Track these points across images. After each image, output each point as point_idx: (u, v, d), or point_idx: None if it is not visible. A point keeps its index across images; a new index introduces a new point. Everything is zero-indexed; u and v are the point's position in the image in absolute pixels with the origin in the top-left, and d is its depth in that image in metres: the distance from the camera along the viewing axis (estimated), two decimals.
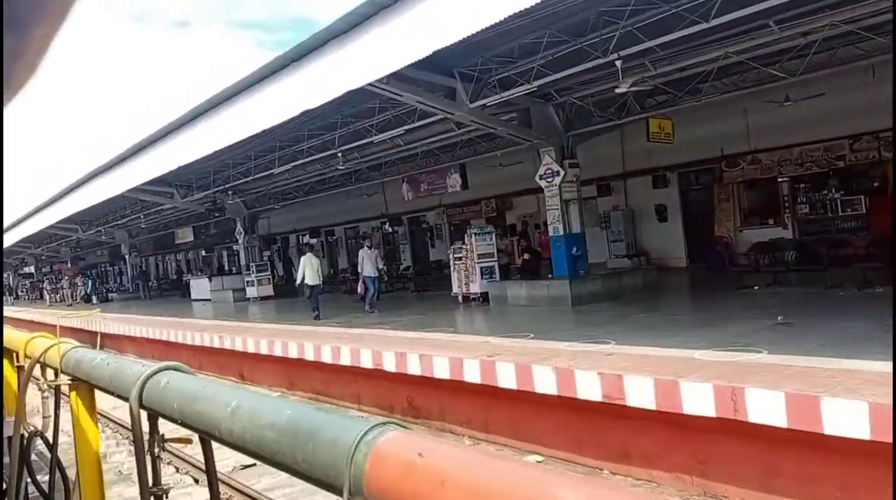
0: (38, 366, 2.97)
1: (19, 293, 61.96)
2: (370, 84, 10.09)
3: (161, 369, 1.62)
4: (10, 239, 37.96)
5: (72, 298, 32.07)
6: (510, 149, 16.91)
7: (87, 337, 16.76)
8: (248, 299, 21.37)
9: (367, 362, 9.69)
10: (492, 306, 13.57)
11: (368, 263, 14.82)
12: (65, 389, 2.68)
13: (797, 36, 9.88)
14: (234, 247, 38.28)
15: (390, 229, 27.99)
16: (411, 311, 14.18)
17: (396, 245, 28.32)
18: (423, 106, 11.81)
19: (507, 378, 7.50)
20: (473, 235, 14.50)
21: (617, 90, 10.78)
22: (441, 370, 8.41)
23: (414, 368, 8.85)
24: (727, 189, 17.63)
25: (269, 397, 1.38)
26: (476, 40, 8.94)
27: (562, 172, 12.79)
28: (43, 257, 47.95)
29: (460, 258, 14.65)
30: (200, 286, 24.75)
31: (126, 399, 1.69)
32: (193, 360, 15.37)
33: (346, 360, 10.12)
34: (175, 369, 1.64)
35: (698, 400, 5.75)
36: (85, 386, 2.44)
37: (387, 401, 9.85)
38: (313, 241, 32.39)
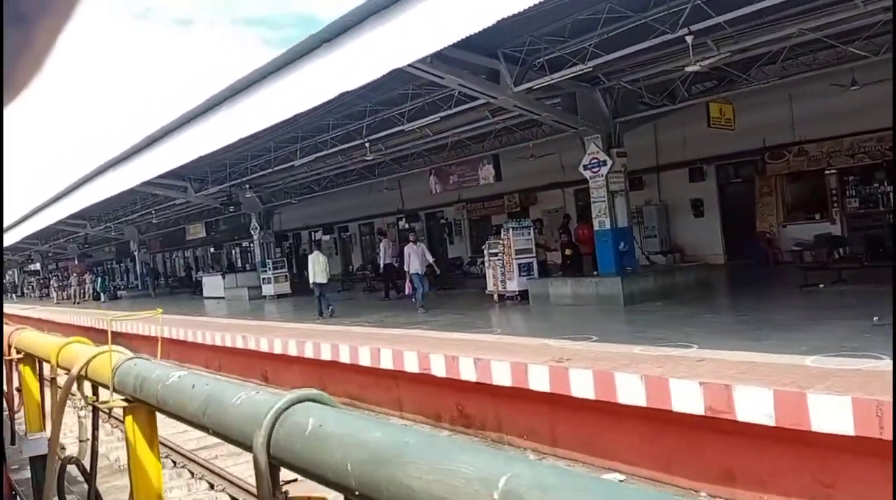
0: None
1: (24, 291, 61.62)
2: (412, 65, 9.33)
3: (295, 402, 1.16)
4: (15, 236, 37.39)
5: (80, 295, 31.22)
6: (543, 140, 16.11)
7: (124, 343, 16.00)
8: (265, 296, 20.59)
9: (411, 365, 8.90)
10: (532, 304, 12.76)
11: (416, 259, 13.93)
12: (117, 411, 2.17)
13: (879, 11, 9.05)
14: (245, 243, 37.80)
15: (406, 225, 27.17)
16: (446, 310, 13.39)
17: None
18: (464, 89, 10.98)
19: (582, 387, 6.70)
20: (511, 230, 13.68)
21: (687, 69, 9.90)
22: (501, 376, 7.62)
23: (468, 373, 8.06)
24: (770, 182, 16.80)
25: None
26: (525, 16, 8.11)
27: (609, 162, 11.98)
28: (50, 254, 47.26)
29: (496, 254, 13.84)
30: (214, 284, 23.97)
31: (243, 445, 1.22)
32: (213, 361, 14.63)
33: (387, 363, 9.34)
34: (315, 400, 1.19)
35: (830, 416, 4.96)
36: (144, 409, 1.96)
37: (433, 409, 9.07)
38: (325, 238, 31.75)
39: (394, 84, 12.06)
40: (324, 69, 9.57)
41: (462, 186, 19.51)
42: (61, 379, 2.80)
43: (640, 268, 13.30)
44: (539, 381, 7.18)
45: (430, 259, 15.12)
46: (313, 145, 16.24)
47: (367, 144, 14.69)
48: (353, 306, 16.84)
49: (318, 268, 14.23)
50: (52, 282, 38.43)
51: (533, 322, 11.36)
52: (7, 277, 77.84)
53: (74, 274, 33.48)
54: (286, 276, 20.62)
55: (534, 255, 13.69)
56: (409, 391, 9.51)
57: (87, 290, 30.77)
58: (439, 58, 9.64)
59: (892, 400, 4.16)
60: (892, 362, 5.36)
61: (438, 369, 8.48)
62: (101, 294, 28.76)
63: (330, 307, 14.17)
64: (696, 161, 17.76)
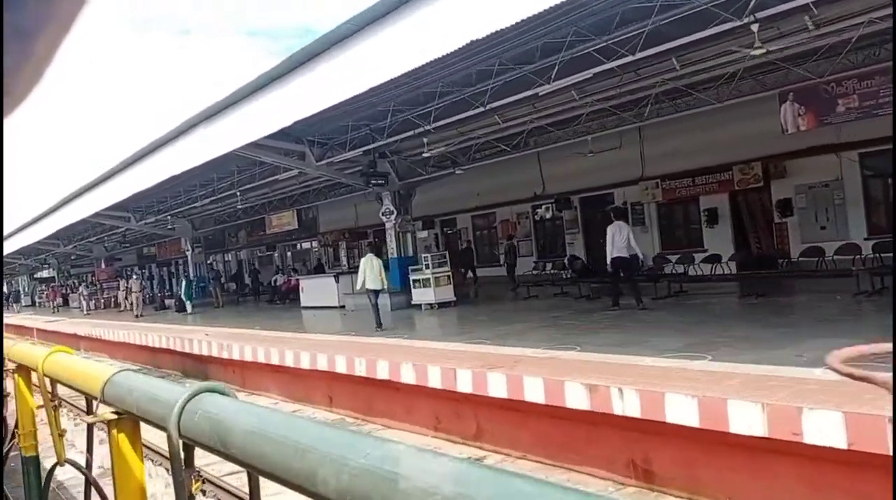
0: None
1: (36, 299, 55.68)
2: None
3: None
4: (28, 238, 31.87)
5: (137, 305, 24.01)
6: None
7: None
8: (420, 306, 14.62)
9: None
10: None
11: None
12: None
13: None
14: (306, 243, 31.66)
15: (549, 215, 21.30)
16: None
17: (553, 235, 21.63)
18: None
19: None
20: None
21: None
22: None
23: None
24: None
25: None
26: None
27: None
28: (73, 257, 41.33)
29: None
30: (321, 289, 17.98)
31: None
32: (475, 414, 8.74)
33: None
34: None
35: None
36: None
37: None
38: (423, 234, 25.81)
39: None
40: None
41: (866, 113, 12.01)
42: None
43: None
44: None
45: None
46: (469, 98, 10.54)
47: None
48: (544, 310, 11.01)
49: (371, 274, 12.51)
50: (80, 289, 32.38)
51: None
52: (17, 283, 72.33)
53: (132, 278, 26.72)
54: (449, 276, 14.60)
55: None
56: None
57: (139, 299, 24.09)
58: None
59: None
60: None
61: None
62: (187, 303, 21.27)
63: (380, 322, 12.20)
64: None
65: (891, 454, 4.00)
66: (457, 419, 7.93)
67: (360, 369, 9.10)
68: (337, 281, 17.59)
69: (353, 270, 19.44)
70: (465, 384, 7.47)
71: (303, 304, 18.93)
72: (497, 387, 7.07)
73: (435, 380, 7.86)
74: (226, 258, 40.21)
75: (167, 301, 27.73)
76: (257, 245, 38.53)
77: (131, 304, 32.30)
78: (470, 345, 9.29)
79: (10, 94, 0.52)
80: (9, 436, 3.80)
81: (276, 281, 23.37)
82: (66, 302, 42.77)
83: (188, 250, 26.43)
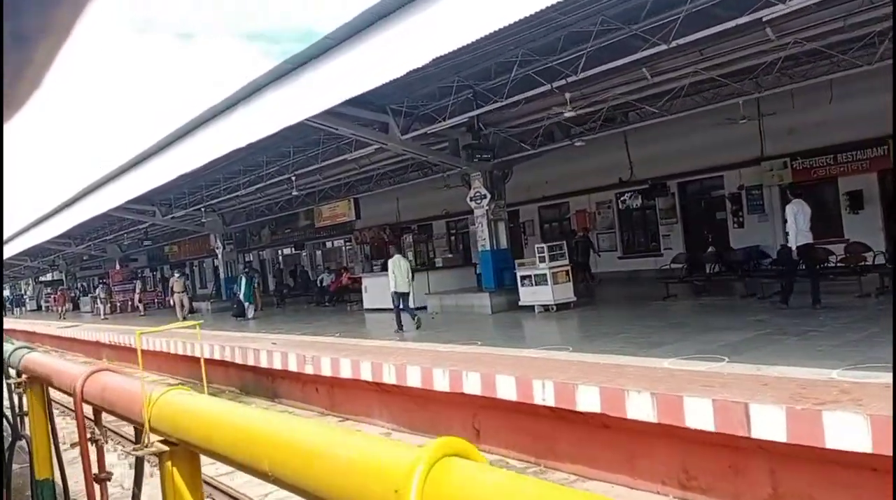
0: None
1: (42, 304, 53.08)
2: None
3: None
4: (36, 237, 29.47)
5: (181, 307, 20.22)
6: None
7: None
8: (531, 308, 12.01)
9: None
10: None
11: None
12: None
13: None
14: (334, 242, 28.70)
15: (637, 203, 18.79)
16: None
17: (642, 227, 19.10)
18: None
19: None
20: None
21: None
22: None
23: None
24: None
25: None
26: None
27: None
28: (85, 258, 38.78)
29: None
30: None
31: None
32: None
33: None
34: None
35: None
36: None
37: None
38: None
39: None
40: None
41: None
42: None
43: None
44: None
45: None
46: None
47: None
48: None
49: (399, 275, 12.01)
50: (98, 292, 29.76)
51: None
52: (19, 287, 69.75)
53: (174, 276, 23.28)
54: (567, 272, 12.02)
55: None
56: None
57: (182, 301, 20.73)
58: None
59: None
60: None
61: None
62: (248, 306, 17.05)
63: (416, 317, 11.81)
64: None
65: None
66: (732, 477, 5.36)
67: (544, 397, 6.55)
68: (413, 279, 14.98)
69: (420, 268, 16.95)
70: (764, 427, 4.92)
71: (366, 305, 16.34)
72: (840, 434, 4.52)
73: (699, 417, 5.30)
74: (247, 258, 37.61)
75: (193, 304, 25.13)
76: (282, 244, 36.00)
77: (145, 305, 29.76)
78: (686, 362, 6.75)
79: (10, 99, 0.52)
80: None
81: (321, 280, 20.78)
82: (75, 306, 40.16)
83: (218, 248, 23.87)
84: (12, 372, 3.04)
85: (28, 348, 3.25)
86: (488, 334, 10.18)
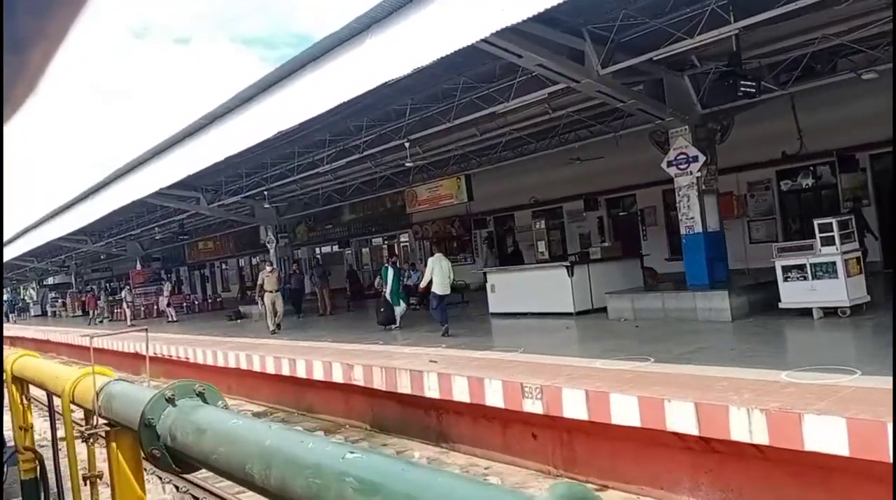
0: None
1: (48, 308, 49.33)
2: None
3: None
4: (44, 236, 26.17)
5: (270, 314, 14.86)
6: None
7: None
8: (804, 312, 8.21)
9: None
10: None
11: None
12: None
13: None
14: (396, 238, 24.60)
15: (809, 182, 15.21)
16: None
17: (816, 211, 15.51)
18: None
19: None
20: None
21: None
22: None
23: None
24: None
25: None
26: None
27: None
28: (103, 256, 35.14)
29: None
30: (535, 286, 11.59)
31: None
32: None
33: None
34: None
35: None
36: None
37: None
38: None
39: None
40: None
41: None
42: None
43: None
44: None
45: None
46: None
47: None
48: None
49: (439, 276, 11.34)
50: (124, 294, 25.99)
51: None
52: (21, 291, 65.98)
53: (269, 268, 16.48)
54: (859, 259, 8.38)
55: None
56: None
57: (274, 306, 16.05)
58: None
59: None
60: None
61: None
62: (398, 311, 12.85)
63: (446, 326, 10.96)
64: None
65: None
66: None
67: None
68: (571, 274, 11.33)
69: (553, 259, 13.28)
70: None
71: (492, 309, 12.71)
72: None
73: None
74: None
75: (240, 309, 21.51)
76: (320, 242, 32.39)
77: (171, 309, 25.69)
78: None
79: (8, 101, 0.52)
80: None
81: (408, 277, 17.14)
82: (84, 312, 36.37)
83: (270, 242, 20.27)
84: None
85: None
86: (811, 360, 6.51)
